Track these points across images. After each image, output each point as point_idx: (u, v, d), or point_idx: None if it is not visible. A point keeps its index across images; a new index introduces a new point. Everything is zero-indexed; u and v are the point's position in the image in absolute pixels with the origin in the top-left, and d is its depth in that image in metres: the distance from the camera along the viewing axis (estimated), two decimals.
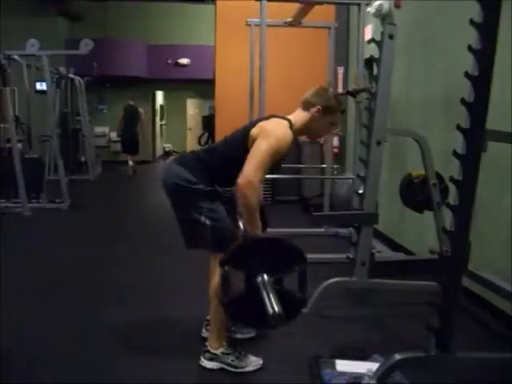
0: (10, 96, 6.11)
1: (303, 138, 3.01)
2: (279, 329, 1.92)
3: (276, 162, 2.21)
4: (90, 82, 9.79)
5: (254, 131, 2.19)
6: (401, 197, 3.28)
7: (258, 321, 1.89)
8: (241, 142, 2.20)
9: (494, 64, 1.78)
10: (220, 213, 2.22)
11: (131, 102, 10.44)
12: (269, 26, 4.31)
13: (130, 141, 10.38)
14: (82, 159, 9.94)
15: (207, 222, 2.16)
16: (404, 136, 3.65)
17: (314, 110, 2.30)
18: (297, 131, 2.28)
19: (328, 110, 2.32)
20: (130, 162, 10.40)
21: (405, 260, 3.69)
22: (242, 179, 2.03)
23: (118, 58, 12.10)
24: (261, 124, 2.22)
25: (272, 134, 2.14)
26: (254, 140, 2.16)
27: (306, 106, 2.32)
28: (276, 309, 1.74)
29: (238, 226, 2.25)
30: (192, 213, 2.20)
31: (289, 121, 2.25)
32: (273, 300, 1.79)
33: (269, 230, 2.45)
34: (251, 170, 2.04)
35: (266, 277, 1.88)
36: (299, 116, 2.32)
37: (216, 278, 2.22)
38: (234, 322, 2.26)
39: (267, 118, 2.30)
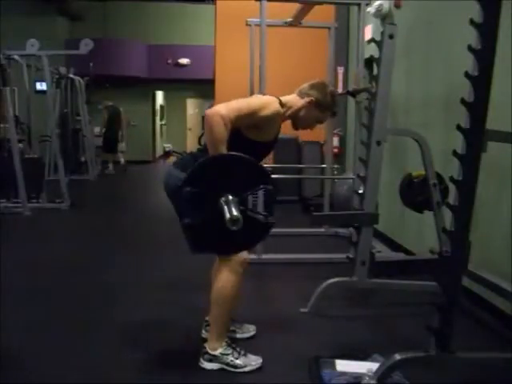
0: (10, 96, 6.11)
1: (303, 138, 3.01)
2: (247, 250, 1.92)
3: (265, 141, 2.21)
4: (89, 82, 9.79)
5: None
6: (401, 197, 3.28)
7: (222, 244, 1.88)
8: (233, 129, 2.14)
9: (494, 64, 1.77)
10: None
11: (110, 103, 10.53)
12: (269, 25, 4.31)
13: (112, 141, 10.50)
14: (82, 159, 9.94)
15: None
16: (404, 136, 3.65)
17: (307, 99, 2.32)
18: (284, 113, 2.29)
19: (320, 105, 2.34)
20: (111, 164, 10.59)
21: (405, 260, 3.67)
22: (209, 110, 2.00)
23: (118, 58, 12.11)
24: None
25: (256, 96, 2.17)
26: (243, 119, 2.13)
27: (301, 94, 2.35)
28: (234, 213, 1.73)
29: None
30: None
31: (280, 100, 2.27)
32: (232, 208, 1.77)
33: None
34: (222, 105, 2.02)
35: (230, 196, 1.86)
36: (292, 99, 2.34)
37: (219, 281, 2.22)
38: (196, 247, 2.15)
39: None
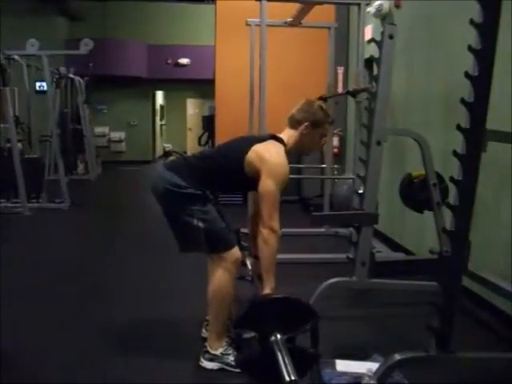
0: (10, 96, 6.11)
1: None
2: None
3: None
4: (89, 82, 9.79)
5: (251, 156, 2.21)
6: (401, 197, 3.28)
7: (274, 379, 1.92)
8: (236, 159, 2.23)
9: (494, 64, 1.77)
10: (212, 214, 2.23)
11: None
12: (269, 25, 4.31)
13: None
14: (82, 159, 9.93)
15: (200, 224, 2.17)
16: (404, 136, 3.65)
17: (301, 127, 2.32)
18: (289, 151, 2.32)
19: (316, 124, 2.35)
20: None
21: (405, 260, 3.69)
22: (264, 228, 2.13)
23: (118, 58, 12.11)
24: (257, 149, 2.23)
25: (275, 170, 2.18)
26: (251, 165, 2.20)
27: (294, 124, 2.35)
28: (292, 377, 1.76)
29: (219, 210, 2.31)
30: (184, 216, 2.20)
31: (282, 142, 2.30)
32: (288, 366, 1.81)
33: None
34: (270, 217, 2.14)
35: (278, 336, 1.91)
36: (289, 135, 2.35)
37: (213, 280, 2.23)
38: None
39: (262, 139, 2.32)
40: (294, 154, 2.51)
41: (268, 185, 2.17)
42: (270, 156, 2.20)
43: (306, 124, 2.32)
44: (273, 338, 1.91)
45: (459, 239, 1.88)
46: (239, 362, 2.03)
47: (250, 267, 2.41)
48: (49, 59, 6.56)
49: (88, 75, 9.69)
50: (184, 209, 2.20)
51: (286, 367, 1.81)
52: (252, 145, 2.24)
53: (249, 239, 2.53)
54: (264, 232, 2.14)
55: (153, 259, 4.17)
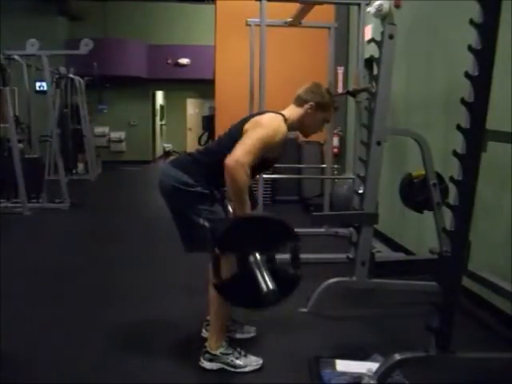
0: (10, 96, 6.11)
1: (302, 138, 3.02)
2: (274, 306, 1.93)
3: (269, 159, 2.23)
4: (89, 81, 9.79)
5: (248, 126, 2.18)
6: (401, 197, 3.28)
7: (253, 300, 1.90)
8: (236, 138, 2.17)
9: (494, 64, 1.77)
10: (219, 214, 2.22)
11: None
12: (269, 25, 4.31)
13: None
14: (82, 159, 9.93)
15: (206, 223, 2.15)
16: (404, 136, 3.65)
17: (307, 106, 2.32)
18: (289, 126, 2.29)
19: (321, 106, 2.34)
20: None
21: (405, 260, 3.69)
22: (229, 160, 2.00)
23: (118, 57, 12.11)
24: (255, 118, 2.23)
25: (266, 124, 2.15)
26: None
27: (299, 102, 2.34)
28: (270, 286, 1.75)
29: (228, 210, 2.24)
30: (190, 215, 2.19)
31: (283, 115, 2.27)
32: (266, 277, 1.79)
33: None
34: (240, 152, 2.03)
35: (258, 256, 1.88)
36: (292, 111, 2.34)
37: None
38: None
39: (261, 114, 2.31)
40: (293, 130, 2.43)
41: (253, 131, 2.12)
42: (265, 118, 2.21)
43: (311, 103, 2.31)
44: (252, 257, 1.88)
45: (459, 239, 1.88)
46: (217, 286, 1.96)
47: (231, 211, 2.31)
48: (49, 59, 6.55)
49: (91, 75, 9.68)
50: (191, 208, 2.19)
51: (263, 279, 1.79)
52: (250, 119, 2.23)
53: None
54: (228, 164, 1.99)
55: (152, 259, 4.17)
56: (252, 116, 2.29)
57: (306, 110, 2.32)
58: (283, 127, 2.21)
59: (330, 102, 2.38)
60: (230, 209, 2.22)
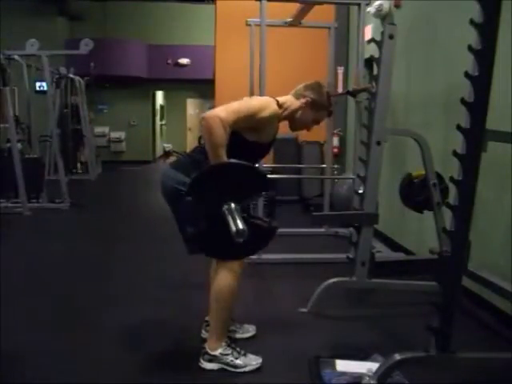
0: (10, 96, 6.11)
1: (302, 138, 3.02)
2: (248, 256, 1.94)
3: (263, 142, 2.22)
4: (89, 81, 9.79)
5: None
6: (401, 197, 3.28)
7: (228, 249, 1.90)
8: (232, 133, 2.13)
9: (494, 64, 1.77)
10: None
11: None
12: (269, 25, 4.31)
13: None
14: (82, 159, 9.94)
15: None
16: (404, 136, 3.65)
17: (303, 100, 2.33)
18: (281, 114, 2.29)
19: (316, 105, 2.35)
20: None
21: (405, 260, 3.69)
22: (208, 113, 1.99)
23: (118, 57, 12.12)
24: None
25: (255, 99, 2.18)
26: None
27: (298, 95, 2.36)
28: (240, 226, 1.75)
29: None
30: None
31: (277, 101, 2.28)
32: (237, 220, 1.79)
33: None
34: (222, 108, 2.02)
35: (232, 205, 1.87)
36: (288, 100, 2.35)
37: (218, 281, 2.22)
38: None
39: None
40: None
41: (241, 101, 2.13)
42: (256, 97, 2.22)
43: (308, 99, 2.32)
44: (225, 206, 1.87)
45: (459, 239, 1.88)
46: (191, 235, 1.94)
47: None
48: (49, 59, 6.56)
49: (88, 75, 9.68)
50: None
51: (234, 221, 1.79)
52: None
53: None
54: (206, 116, 1.95)
55: (152, 259, 4.17)
56: None
57: (300, 105, 2.33)
58: (273, 107, 2.21)
59: (327, 103, 2.39)
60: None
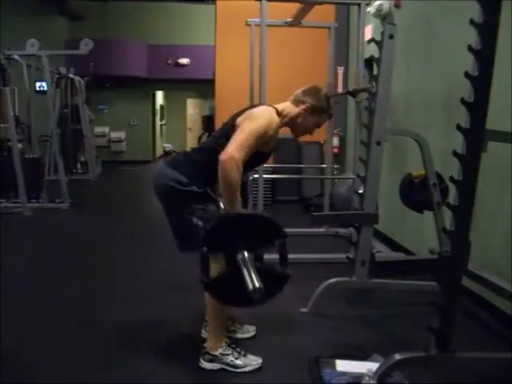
0: (10, 96, 6.11)
1: (303, 138, 3.02)
2: (263, 304, 1.93)
3: (264, 152, 2.23)
4: (89, 81, 9.79)
5: (240, 119, 2.18)
6: (401, 197, 3.28)
7: (241, 299, 1.89)
8: (228, 133, 2.16)
9: (494, 64, 1.77)
10: (213, 213, 2.20)
11: None
12: (269, 25, 4.31)
13: None
14: (82, 159, 9.94)
15: (200, 223, 2.15)
16: (404, 136, 3.65)
17: (302, 106, 2.32)
18: (282, 121, 2.29)
19: (316, 110, 2.35)
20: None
21: (405, 260, 3.69)
22: (223, 155, 1.99)
23: (118, 57, 12.11)
24: (247, 111, 2.23)
25: (259, 117, 2.15)
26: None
27: (296, 101, 2.35)
28: (256, 284, 1.75)
29: (219, 206, 2.22)
30: (184, 214, 2.18)
31: (276, 109, 2.28)
32: (253, 275, 1.79)
33: None
34: (234, 147, 2.02)
35: (246, 254, 1.88)
36: (287, 107, 2.35)
37: None
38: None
39: (253, 107, 2.32)
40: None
41: (247, 124, 2.11)
42: (257, 110, 2.22)
43: (307, 105, 2.32)
44: (239, 256, 1.87)
45: (459, 239, 1.88)
46: (205, 284, 1.95)
47: (222, 207, 2.27)
48: (49, 59, 6.56)
49: (88, 75, 9.69)
50: (184, 206, 2.18)
51: (250, 277, 1.79)
52: (243, 112, 2.23)
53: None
54: (222, 159, 1.97)
55: (153, 259, 4.17)
56: (243, 110, 2.28)
57: (299, 111, 2.33)
58: (276, 119, 2.22)
59: (326, 107, 2.38)
60: (222, 205, 2.21)
